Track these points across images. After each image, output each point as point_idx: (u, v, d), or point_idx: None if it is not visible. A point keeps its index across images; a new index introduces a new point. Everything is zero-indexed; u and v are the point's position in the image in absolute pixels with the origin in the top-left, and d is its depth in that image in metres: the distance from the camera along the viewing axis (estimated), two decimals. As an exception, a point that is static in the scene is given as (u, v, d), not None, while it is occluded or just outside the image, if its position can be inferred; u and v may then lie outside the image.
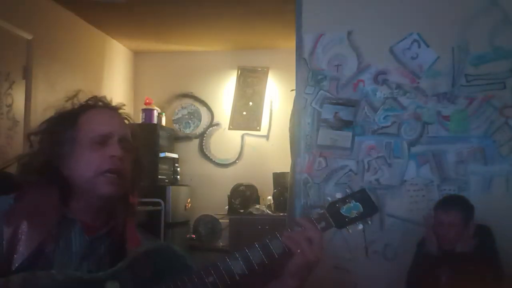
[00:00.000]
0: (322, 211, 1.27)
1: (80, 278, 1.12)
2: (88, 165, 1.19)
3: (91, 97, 1.30)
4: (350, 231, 1.27)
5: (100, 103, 1.29)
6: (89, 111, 1.26)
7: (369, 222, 1.28)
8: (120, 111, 1.31)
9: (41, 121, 1.28)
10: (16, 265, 1.09)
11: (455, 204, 2.57)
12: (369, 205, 1.28)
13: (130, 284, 1.15)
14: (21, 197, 1.18)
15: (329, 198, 1.28)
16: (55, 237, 1.15)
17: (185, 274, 1.18)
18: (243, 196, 5.09)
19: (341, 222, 1.26)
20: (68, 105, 1.29)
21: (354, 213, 1.26)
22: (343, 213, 1.26)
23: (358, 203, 1.27)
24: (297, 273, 1.21)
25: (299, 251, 1.18)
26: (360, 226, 1.28)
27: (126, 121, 1.31)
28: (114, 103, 1.32)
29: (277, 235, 1.22)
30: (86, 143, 1.20)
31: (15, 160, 1.26)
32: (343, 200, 1.27)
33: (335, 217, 1.25)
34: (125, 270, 1.15)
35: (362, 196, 1.28)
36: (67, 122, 1.23)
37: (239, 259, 1.18)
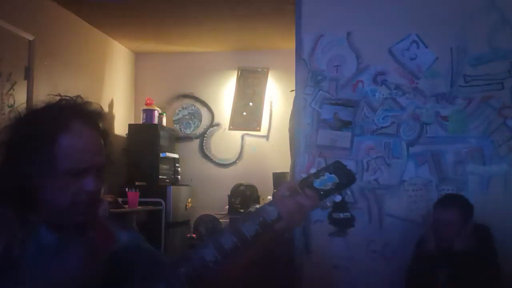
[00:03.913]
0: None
1: None
2: (62, 195, 1.12)
3: (65, 100, 1.19)
4: (328, 204, 1.22)
5: (80, 113, 1.17)
6: (69, 132, 1.13)
7: (348, 193, 1.25)
8: (97, 117, 1.21)
9: None
10: None
11: (454, 202, 2.58)
12: (345, 174, 1.21)
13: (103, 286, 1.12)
14: None
15: (303, 175, 1.25)
16: (22, 242, 1.10)
17: (158, 270, 1.17)
18: (243, 196, 5.12)
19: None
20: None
21: (329, 185, 1.20)
22: (316, 187, 1.20)
23: (332, 175, 1.20)
24: (271, 236, 1.21)
25: (288, 216, 1.18)
26: (338, 198, 1.22)
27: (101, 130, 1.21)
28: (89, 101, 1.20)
29: (247, 217, 1.20)
30: (62, 171, 1.11)
31: None
32: (316, 174, 1.21)
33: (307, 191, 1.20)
34: (96, 273, 1.12)
35: (336, 167, 1.22)
36: (44, 141, 1.11)
37: (211, 246, 1.15)
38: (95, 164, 1.15)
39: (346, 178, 1.21)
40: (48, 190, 1.12)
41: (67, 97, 1.20)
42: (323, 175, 1.21)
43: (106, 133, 1.22)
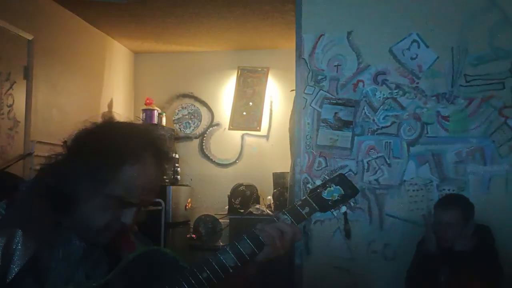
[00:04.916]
0: (304, 197, 1.30)
1: None
2: (100, 216, 1.14)
3: (146, 127, 1.22)
4: (334, 214, 1.31)
5: (156, 150, 1.18)
6: (138, 164, 1.14)
7: (352, 204, 1.32)
8: (167, 159, 1.23)
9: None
10: (12, 275, 1.04)
11: (454, 203, 2.58)
12: (349, 187, 1.31)
13: None
14: (13, 204, 1.13)
15: (310, 186, 1.32)
16: (52, 245, 1.12)
17: (179, 275, 1.18)
18: (243, 196, 5.10)
19: (324, 205, 1.29)
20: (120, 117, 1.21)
21: (335, 196, 1.29)
22: (325, 197, 1.29)
23: (338, 186, 1.30)
24: (263, 263, 1.24)
25: (270, 243, 1.21)
26: (344, 209, 1.31)
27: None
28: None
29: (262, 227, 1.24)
30: (108, 194, 1.13)
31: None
32: (323, 185, 1.30)
33: (317, 201, 1.28)
34: (118, 277, 1.14)
35: (340, 179, 1.31)
36: (112, 161, 1.12)
37: (230, 252, 1.20)
38: (143, 202, 1.18)
39: (350, 190, 1.31)
40: (87, 206, 1.13)
41: (149, 124, 1.21)
42: (330, 187, 1.30)
43: (164, 174, 1.25)
